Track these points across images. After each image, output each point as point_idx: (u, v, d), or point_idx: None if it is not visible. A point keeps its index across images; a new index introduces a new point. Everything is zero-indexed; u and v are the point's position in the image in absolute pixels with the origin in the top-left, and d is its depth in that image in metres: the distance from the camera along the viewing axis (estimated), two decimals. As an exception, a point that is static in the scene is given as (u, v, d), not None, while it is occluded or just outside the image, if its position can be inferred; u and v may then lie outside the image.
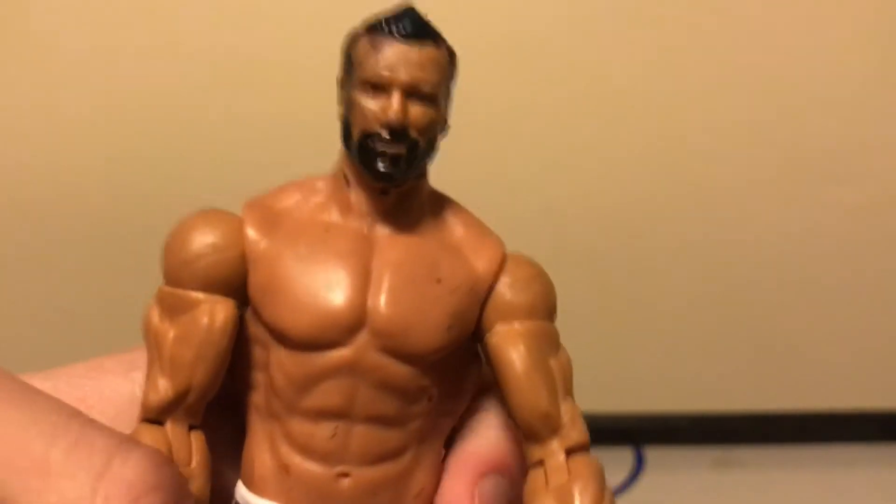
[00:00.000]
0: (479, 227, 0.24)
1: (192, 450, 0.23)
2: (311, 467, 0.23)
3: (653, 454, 0.68)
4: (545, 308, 0.24)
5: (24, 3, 0.57)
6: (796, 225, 0.63)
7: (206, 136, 0.60)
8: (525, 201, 0.60)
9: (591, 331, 0.63)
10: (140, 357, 0.24)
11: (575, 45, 0.58)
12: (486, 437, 0.25)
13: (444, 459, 0.24)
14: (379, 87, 0.22)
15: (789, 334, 0.66)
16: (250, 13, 0.57)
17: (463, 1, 0.57)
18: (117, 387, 0.24)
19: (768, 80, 0.59)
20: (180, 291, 0.23)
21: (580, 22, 0.58)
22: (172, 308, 0.23)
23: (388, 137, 0.22)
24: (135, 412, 0.23)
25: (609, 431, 0.68)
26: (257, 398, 0.24)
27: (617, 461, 0.67)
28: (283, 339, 0.23)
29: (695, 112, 0.60)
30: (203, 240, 0.23)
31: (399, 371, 0.23)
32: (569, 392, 0.23)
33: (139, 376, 0.24)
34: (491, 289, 0.23)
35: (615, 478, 0.65)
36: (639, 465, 0.67)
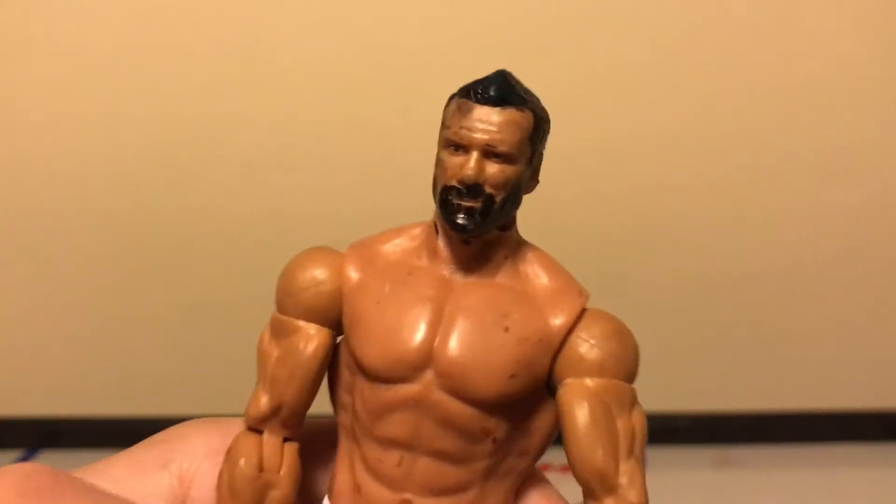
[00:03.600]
0: (563, 280, 0.25)
1: (283, 459, 0.25)
2: (379, 490, 0.24)
3: (653, 454, 0.68)
4: (620, 367, 0.25)
5: (26, 3, 0.57)
6: (796, 225, 0.63)
7: (212, 136, 0.60)
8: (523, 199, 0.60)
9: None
10: (174, 449, 0.27)
11: (575, 41, 0.58)
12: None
13: None
14: (460, 147, 0.24)
15: (789, 334, 0.66)
16: (257, 12, 0.57)
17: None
18: (157, 481, 0.26)
19: (768, 80, 0.59)
20: (285, 318, 0.26)
21: (580, 18, 0.58)
22: (278, 332, 0.26)
23: (464, 192, 0.24)
24: (176, 502, 0.26)
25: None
26: (345, 419, 0.26)
27: (617, 461, 0.67)
28: (361, 369, 0.24)
29: (694, 112, 0.60)
30: (306, 274, 0.25)
31: (461, 411, 0.24)
32: (633, 454, 0.24)
33: (175, 467, 0.26)
34: (564, 342, 0.24)
35: (615, 478, 0.65)
36: (639, 465, 0.67)
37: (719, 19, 0.58)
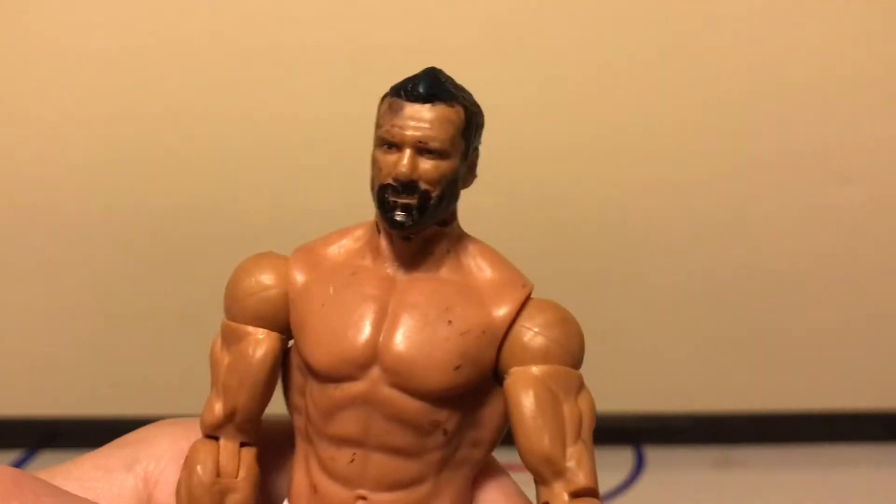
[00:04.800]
0: (506, 272, 0.26)
1: (240, 464, 0.25)
2: (334, 488, 0.25)
3: (653, 454, 0.68)
4: (563, 353, 0.25)
5: (25, 3, 0.57)
6: (796, 225, 0.63)
7: (209, 137, 0.60)
8: (524, 199, 0.60)
9: (590, 330, 0.63)
10: (140, 450, 0.27)
11: (573, 41, 0.58)
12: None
13: None
14: (393, 145, 0.24)
15: (789, 334, 0.66)
16: (255, 11, 0.57)
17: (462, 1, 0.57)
18: (123, 483, 0.27)
19: (768, 80, 0.59)
20: (234, 325, 0.26)
21: (578, 19, 0.58)
22: (228, 339, 0.26)
23: (399, 189, 0.24)
24: (139, 501, 0.26)
25: (609, 431, 0.68)
26: (300, 421, 0.26)
27: (617, 461, 0.67)
28: (310, 370, 0.25)
29: (693, 112, 0.60)
30: (251, 280, 0.26)
31: (409, 405, 0.24)
32: (580, 437, 0.24)
33: (140, 469, 0.27)
34: (508, 332, 0.25)
35: (615, 478, 0.65)
36: (639, 465, 0.67)
37: (719, 18, 0.58)
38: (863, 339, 0.66)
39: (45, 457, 0.67)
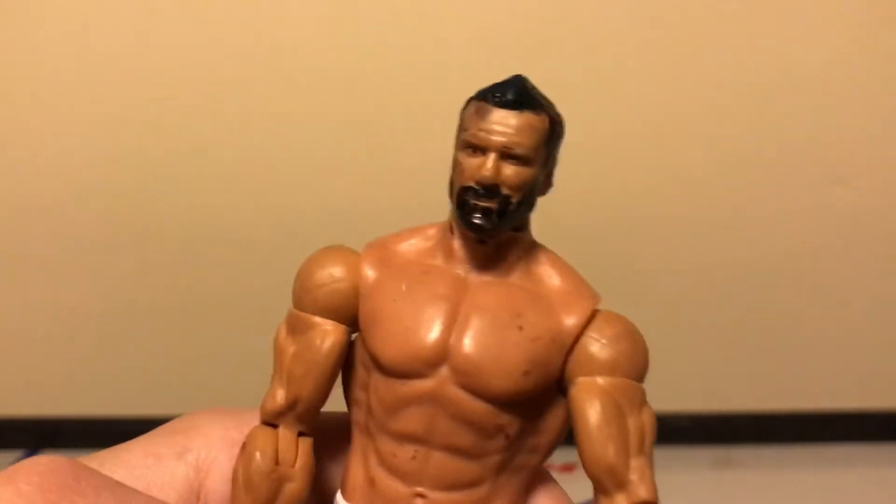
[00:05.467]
0: (575, 282, 0.26)
1: (298, 453, 0.25)
2: (393, 484, 0.25)
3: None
4: (630, 366, 0.25)
5: (28, 3, 0.57)
6: (796, 225, 0.63)
7: (208, 138, 0.60)
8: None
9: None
10: (191, 438, 0.27)
11: (575, 42, 0.58)
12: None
13: None
14: (478, 148, 0.24)
15: (789, 334, 0.66)
16: (258, 13, 0.58)
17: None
18: (175, 471, 0.26)
19: (768, 80, 0.60)
20: (302, 314, 0.26)
21: (580, 19, 0.58)
22: (294, 328, 0.26)
23: (481, 192, 0.24)
24: (192, 492, 0.26)
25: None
26: (359, 415, 0.26)
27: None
28: (378, 365, 0.25)
29: (694, 112, 0.60)
30: (323, 272, 0.26)
31: (475, 407, 0.24)
32: (643, 451, 0.24)
33: (192, 458, 0.26)
34: (576, 342, 0.25)
35: (615, 478, 0.65)
36: (639, 465, 0.67)
37: (718, 19, 0.58)
38: (863, 339, 0.66)
39: (45, 457, 0.67)
